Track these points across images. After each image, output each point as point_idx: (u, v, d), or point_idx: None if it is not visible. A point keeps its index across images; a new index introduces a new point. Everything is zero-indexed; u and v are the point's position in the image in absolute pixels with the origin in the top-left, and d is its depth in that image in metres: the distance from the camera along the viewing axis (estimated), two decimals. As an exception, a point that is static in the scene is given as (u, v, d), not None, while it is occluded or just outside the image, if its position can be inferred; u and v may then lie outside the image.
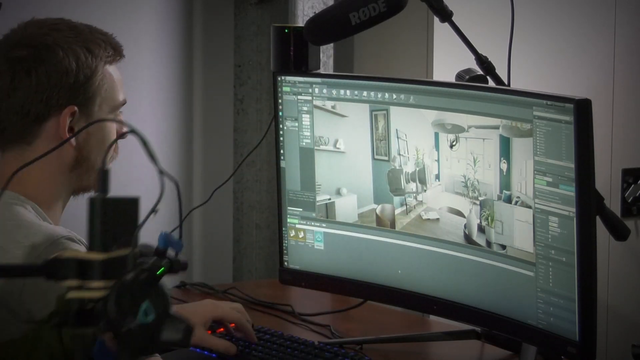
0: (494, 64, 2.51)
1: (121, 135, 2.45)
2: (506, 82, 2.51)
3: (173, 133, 3.72)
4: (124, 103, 2.44)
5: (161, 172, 1.47)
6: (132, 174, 2.95)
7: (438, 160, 2.51)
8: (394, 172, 2.60)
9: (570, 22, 3.68)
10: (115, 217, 1.46)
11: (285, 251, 2.80)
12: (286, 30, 2.93)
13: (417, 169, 2.55)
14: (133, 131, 1.51)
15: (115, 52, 2.40)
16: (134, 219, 1.47)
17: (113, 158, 2.44)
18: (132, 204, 1.48)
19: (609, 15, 3.69)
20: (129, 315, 1.40)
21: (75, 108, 2.31)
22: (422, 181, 2.55)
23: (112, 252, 1.42)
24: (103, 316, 1.40)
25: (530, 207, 2.30)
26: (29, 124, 2.28)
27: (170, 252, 1.49)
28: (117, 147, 2.47)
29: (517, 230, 2.35)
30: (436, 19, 2.55)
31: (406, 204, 2.58)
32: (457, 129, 2.45)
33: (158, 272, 1.43)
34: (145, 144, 1.50)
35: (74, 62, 2.31)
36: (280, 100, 2.75)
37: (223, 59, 3.80)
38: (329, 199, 2.71)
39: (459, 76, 2.56)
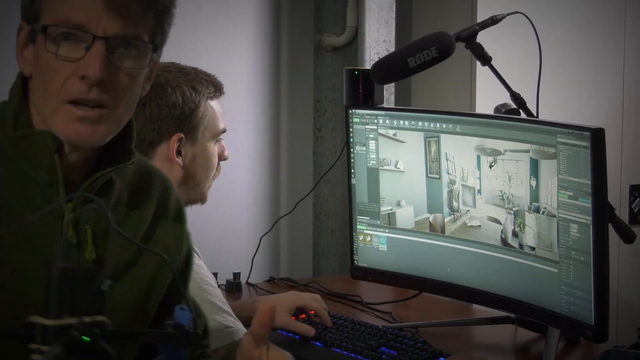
0: (525, 99, 2.49)
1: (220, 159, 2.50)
2: (535, 114, 2.50)
3: (264, 155, 3.67)
4: (224, 131, 2.46)
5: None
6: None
7: (479, 178, 2.49)
8: (446, 188, 2.58)
9: (587, 61, 3.63)
10: (71, 286, 1.34)
11: (355, 252, 2.78)
12: (356, 72, 2.98)
13: (463, 186, 2.54)
14: None
15: (217, 89, 2.42)
16: (90, 289, 1.33)
17: (215, 176, 2.48)
18: (89, 275, 1.36)
19: (619, 56, 3.64)
20: None
21: (182, 135, 2.34)
22: (468, 196, 2.53)
23: (63, 319, 1.30)
24: None
25: (554, 216, 2.30)
26: (145, 148, 2.29)
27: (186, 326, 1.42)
28: (220, 167, 2.49)
29: (544, 235, 2.34)
30: (478, 62, 2.54)
31: (455, 214, 2.57)
32: (495, 153, 2.44)
33: (82, 338, 1.29)
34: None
35: (181, 97, 2.34)
36: (351, 129, 2.73)
37: (305, 95, 3.76)
38: (391, 210, 2.69)
39: (497, 109, 2.55)
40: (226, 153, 2.51)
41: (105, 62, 1.55)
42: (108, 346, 1.32)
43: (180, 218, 1.82)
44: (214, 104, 2.42)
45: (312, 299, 2.59)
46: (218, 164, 2.49)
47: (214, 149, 2.44)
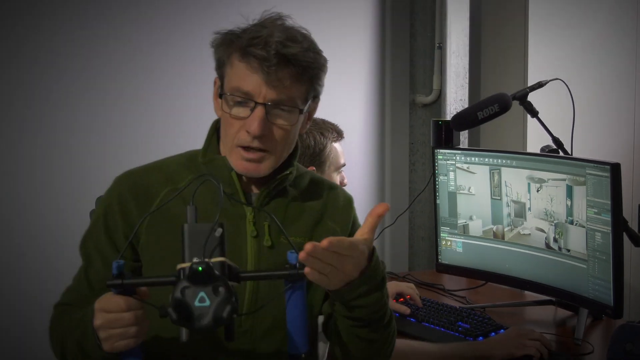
0: (562, 141, 2.45)
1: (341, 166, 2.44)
2: (570, 153, 2.47)
3: (373, 182, 3.64)
4: (344, 165, 2.44)
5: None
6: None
7: (530, 199, 2.47)
8: (506, 207, 2.55)
9: (607, 111, 3.49)
10: (197, 238, 1.34)
11: (439, 253, 2.75)
12: (440, 122, 2.97)
13: (518, 204, 2.51)
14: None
15: (339, 134, 2.42)
16: (210, 237, 1.34)
17: (343, 185, 2.43)
18: (209, 228, 1.35)
19: (630, 106, 3.53)
20: (189, 302, 1.29)
21: (314, 168, 2.34)
22: (521, 212, 2.51)
23: (192, 262, 1.31)
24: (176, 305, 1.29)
25: (584, 227, 2.28)
26: None
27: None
28: (345, 176, 2.47)
29: (577, 241, 2.33)
30: (528, 115, 2.50)
31: (511, 225, 2.54)
32: (541, 181, 2.42)
33: (199, 269, 1.30)
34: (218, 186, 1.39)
35: (313, 140, 2.35)
36: (436, 164, 2.71)
37: (402, 139, 3.73)
38: (465, 222, 2.67)
39: (542, 149, 2.52)
40: (345, 181, 2.48)
41: (264, 121, 1.57)
42: (229, 282, 1.31)
43: (347, 211, 1.75)
44: (337, 145, 2.41)
45: (407, 287, 2.57)
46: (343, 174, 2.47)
47: (337, 177, 2.43)
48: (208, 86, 1.72)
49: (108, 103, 2.70)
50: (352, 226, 1.75)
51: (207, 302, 1.29)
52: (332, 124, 2.43)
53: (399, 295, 2.55)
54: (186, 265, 1.32)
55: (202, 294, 1.29)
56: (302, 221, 1.70)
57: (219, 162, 1.65)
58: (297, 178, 1.73)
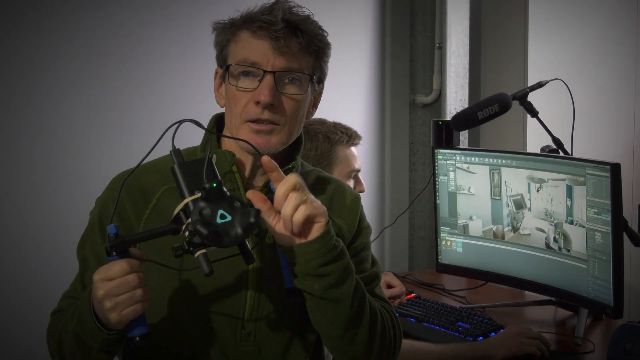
0: (562, 141, 2.45)
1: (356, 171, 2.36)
2: (570, 153, 2.46)
3: (374, 182, 3.58)
4: (358, 170, 2.37)
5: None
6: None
7: (530, 199, 2.46)
8: (505, 207, 2.54)
9: (608, 110, 3.50)
10: (190, 173, 1.36)
11: (439, 253, 2.75)
12: (440, 122, 2.98)
13: (517, 204, 2.51)
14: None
15: (350, 138, 2.35)
16: (203, 167, 1.35)
17: (361, 192, 2.36)
18: (199, 162, 1.36)
19: (630, 106, 3.52)
20: (212, 221, 1.29)
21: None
22: (520, 211, 2.51)
23: (194, 194, 1.32)
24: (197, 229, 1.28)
25: (584, 227, 2.27)
26: None
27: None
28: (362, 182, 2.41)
29: (577, 241, 2.32)
30: (528, 115, 2.49)
31: (511, 225, 2.54)
32: (541, 181, 2.42)
33: (214, 185, 1.30)
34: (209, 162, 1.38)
35: (317, 142, 2.30)
36: (436, 164, 2.71)
37: (402, 139, 3.71)
38: (465, 222, 2.67)
39: (542, 149, 2.51)
40: (362, 187, 2.40)
41: (273, 90, 1.51)
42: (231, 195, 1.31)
43: (354, 208, 1.69)
44: (349, 149, 2.34)
45: (399, 286, 2.53)
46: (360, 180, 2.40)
47: (347, 183, 2.24)
48: (207, 84, 1.70)
49: (107, 103, 2.70)
50: (358, 223, 1.69)
51: (229, 217, 1.29)
52: (345, 128, 2.37)
53: (394, 299, 2.53)
54: (188, 200, 1.31)
55: (220, 211, 1.29)
56: None
57: (220, 155, 1.59)
58: (302, 174, 1.65)
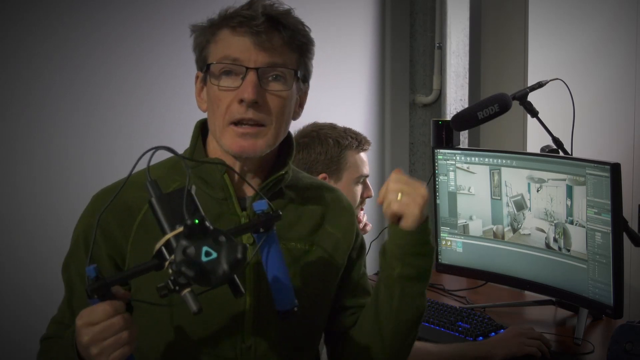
0: (562, 141, 2.45)
1: (364, 178, 2.37)
2: (570, 153, 2.46)
3: (373, 183, 3.31)
4: (366, 176, 2.37)
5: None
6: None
7: (530, 199, 2.47)
8: (505, 207, 2.55)
9: (609, 111, 3.51)
10: (169, 205, 1.26)
11: (439, 253, 2.74)
12: (440, 122, 2.95)
13: (517, 204, 2.51)
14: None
15: (359, 143, 2.34)
16: (182, 199, 1.25)
17: (359, 208, 2.38)
18: (178, 193, 1.27)
19: (630, 107, 3.53)
20: (196, 260, 1.19)
21: (326, 175, 2.30)
22: (520, 211, 2.51)
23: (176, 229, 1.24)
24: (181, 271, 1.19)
25: (584, 227, 2.28)
26: None
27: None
28: (364, 202, 2.40)
29: (577, 241, 2.33)
30: (528, 115, 2.48)
31: (511, 225, 2.54)
32: (541, 181, 2.42)
33: (196, 222, 1.20)
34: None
35: (326, 146, 2.29)
36: (436, 164, 2.71)
37: (403, 139, 3.71)
38: (465, 222, 2.67)
39: (542, 149, 2.52)
40: (370, 192, 2.40)
41: (257, 87, 1.45)
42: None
43: (350, 218, 1.67)
44: (358, 155, 2.34)
45: None
46: (362, 200, 2.40)
47: (357, 188, 2.36)
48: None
49: (105, 104, 2.70)
50: (355, 238, 1.67)
51: (214, 254, 1.20)
52: (355, 133, 2.36)
53: None
54: (170, 235, 1.23)
55: (205, 248, 1.20)
56: (301, 225, 1.59)
57: (210, 167, 1.52)
58: (294, 180, 1.62)
